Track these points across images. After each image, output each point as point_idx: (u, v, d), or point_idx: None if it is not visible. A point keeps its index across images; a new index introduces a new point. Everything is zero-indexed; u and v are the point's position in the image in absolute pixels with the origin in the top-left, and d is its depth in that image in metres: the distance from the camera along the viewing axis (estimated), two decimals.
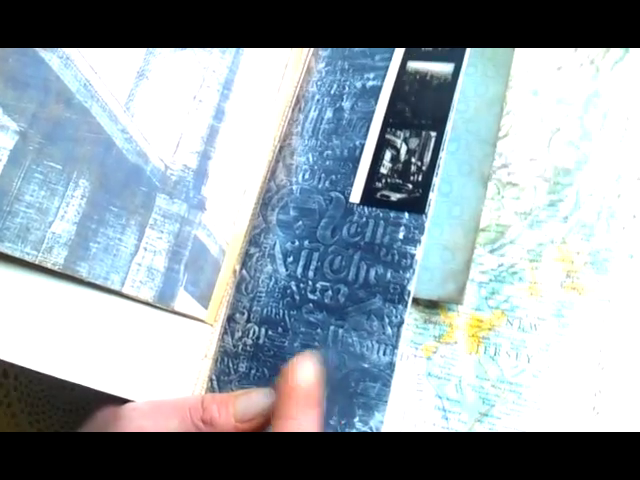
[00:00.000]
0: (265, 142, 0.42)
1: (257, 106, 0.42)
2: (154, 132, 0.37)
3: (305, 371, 0.32)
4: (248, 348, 0.37)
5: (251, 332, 0.38)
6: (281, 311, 0.37)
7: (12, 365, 0.31)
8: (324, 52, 0.44)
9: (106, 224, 0.35)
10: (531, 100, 0.41)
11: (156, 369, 0.35)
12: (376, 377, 0.34)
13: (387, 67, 0.42)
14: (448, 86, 0.40)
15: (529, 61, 0.42)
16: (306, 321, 0.37)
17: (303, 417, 0.31)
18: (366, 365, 0.35)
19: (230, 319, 0.38)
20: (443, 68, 0.41)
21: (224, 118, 0.40)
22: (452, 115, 0.39)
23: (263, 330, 0.37)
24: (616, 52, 0.41)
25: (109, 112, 0.36)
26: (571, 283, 0.36)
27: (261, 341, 0.37)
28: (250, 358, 0.37)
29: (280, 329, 0.37)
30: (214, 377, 0.37)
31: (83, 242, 0.34)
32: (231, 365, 0.37)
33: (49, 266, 0.33)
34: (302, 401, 0.32)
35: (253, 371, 0.37)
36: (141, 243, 0.36)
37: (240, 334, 0.38)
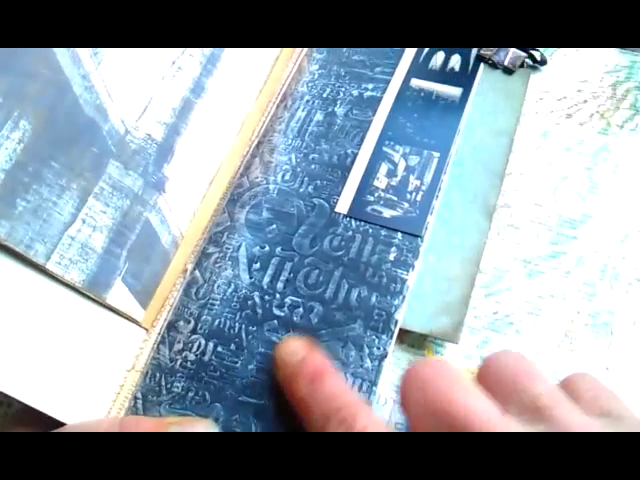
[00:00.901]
0: (242, 132, 0.36)
1: (240, 92, 0.37)
2: (120, 88, 0.31)
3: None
4: (189, 365, 0.30)
5: (195, 345, 0.31)
6: (237, 325, 0.31)
7: None
8: (319, 54, 0.40)
9: (42, 181, 0.28)
10: (539, 142, 0.37)
11: (68, 373, 0.28)
12: None
13: (388, 80, 0.38)
14: (455, 109, 0.36)
15: (540, 103, 0.39)
16: (267, 340, 0.30)
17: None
18: None
19: (171, 326, 0.31)
20: (450, 90, 0.37)
21: (203, 95, 0.34)
22: (458, 139, 0.35)
23: (211, 345, 0.30)
24: (625, 112, 0.39)
25: (73, 52, 0.29)
26: (569, 344, 0.32)
27: (207, 358, 0.30)
28: (189, 377, 0.30)
29: (233, 346, 0.30)
30: (140, 395, 0.30)
31: (9, 196, 0.26)
32: (164, 383, 0.30)
33: None
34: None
35: (191, 393, 0.29)
36: (80, 213, 0.29)
37: (181, 346, 0.31)
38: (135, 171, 0.31)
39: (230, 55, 0.36)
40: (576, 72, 0.40)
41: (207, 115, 0.34)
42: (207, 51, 0.35)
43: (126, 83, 0.31)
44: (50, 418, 0.28)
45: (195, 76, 0.34)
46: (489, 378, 0.24)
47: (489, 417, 0.21)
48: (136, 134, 0.31)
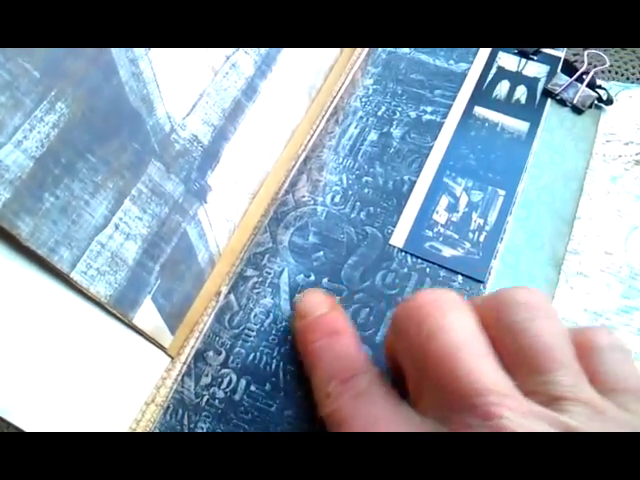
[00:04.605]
0: (290, 145, 0.33)
1: (293, 100, 0.33)
2: (169, 78, 0.27)
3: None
4: (216, 403, 0.26)
5: (225, 381, 0.27)
6: (275, 362, 0.27)
7: None
8: (374, 68, 0.37)
9: (75, 175, 0.24)
10: (608, 187, 0.34)
11: (80, 400, 0.24)
12: None
13: (449, 105, 0.35)
14: (522, 144, 0.33)
15: (607, 146, 0.36)
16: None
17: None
18: None
19: (199, 356, 0.27)
20: (516, 124, 0.34)
21: (255, 98, 0.31)
22: (524, 177, 0.32)
23: (244, 382, 0.27)
24: None
25: None
26: None
27: (237, 397, 0.26)
28: (216, 417, 0.26)
29: (268, 386, 0.26)
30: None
31: (36, 189, 0.22)
32: (186, 422, 0.26)
33: None
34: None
35: None
36: (113, 217, 0.25)
37: (209, 380, 0.27)
38: (177, 175, 0.27)
39: (285, 58, 0.32)
40: None
41: (257, 121, 0.31)
42: (263, 50, 0.31)
43: (176, 74, 0.27)
44: None
45: (249, 76, 0.30)
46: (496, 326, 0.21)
47: (510, 406, 0.18)
48: (182, 133, 0.27)
